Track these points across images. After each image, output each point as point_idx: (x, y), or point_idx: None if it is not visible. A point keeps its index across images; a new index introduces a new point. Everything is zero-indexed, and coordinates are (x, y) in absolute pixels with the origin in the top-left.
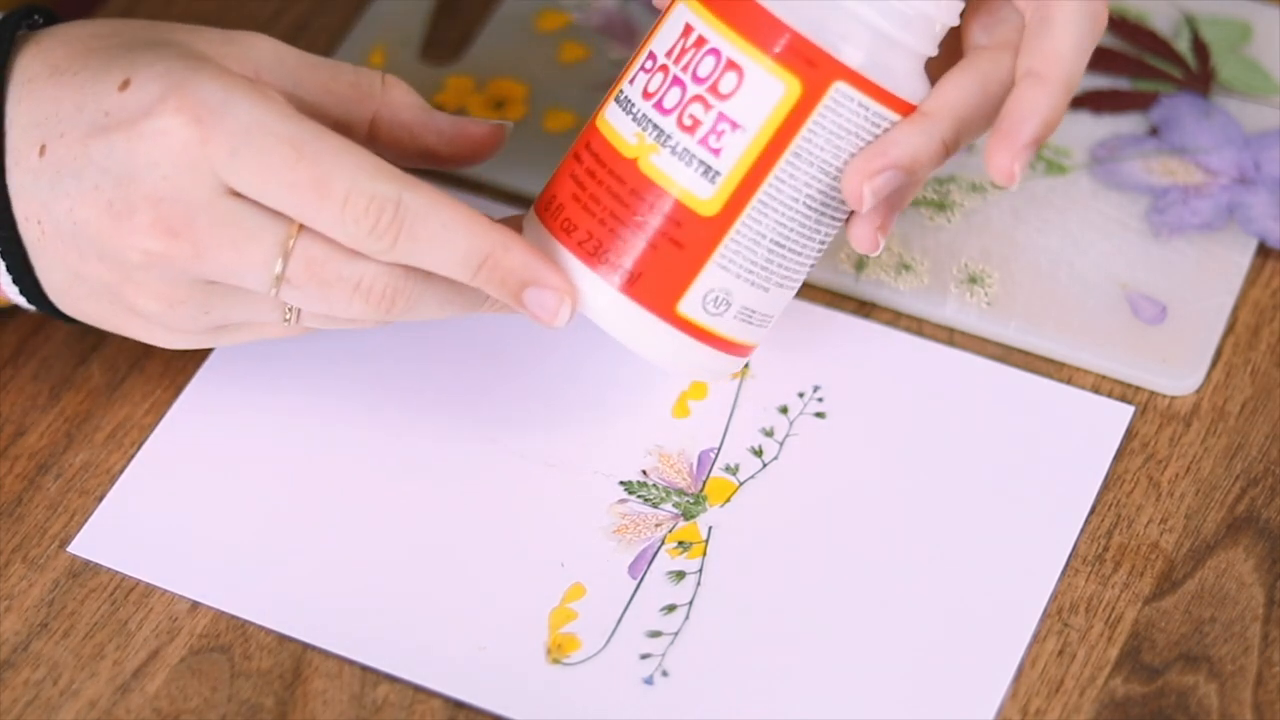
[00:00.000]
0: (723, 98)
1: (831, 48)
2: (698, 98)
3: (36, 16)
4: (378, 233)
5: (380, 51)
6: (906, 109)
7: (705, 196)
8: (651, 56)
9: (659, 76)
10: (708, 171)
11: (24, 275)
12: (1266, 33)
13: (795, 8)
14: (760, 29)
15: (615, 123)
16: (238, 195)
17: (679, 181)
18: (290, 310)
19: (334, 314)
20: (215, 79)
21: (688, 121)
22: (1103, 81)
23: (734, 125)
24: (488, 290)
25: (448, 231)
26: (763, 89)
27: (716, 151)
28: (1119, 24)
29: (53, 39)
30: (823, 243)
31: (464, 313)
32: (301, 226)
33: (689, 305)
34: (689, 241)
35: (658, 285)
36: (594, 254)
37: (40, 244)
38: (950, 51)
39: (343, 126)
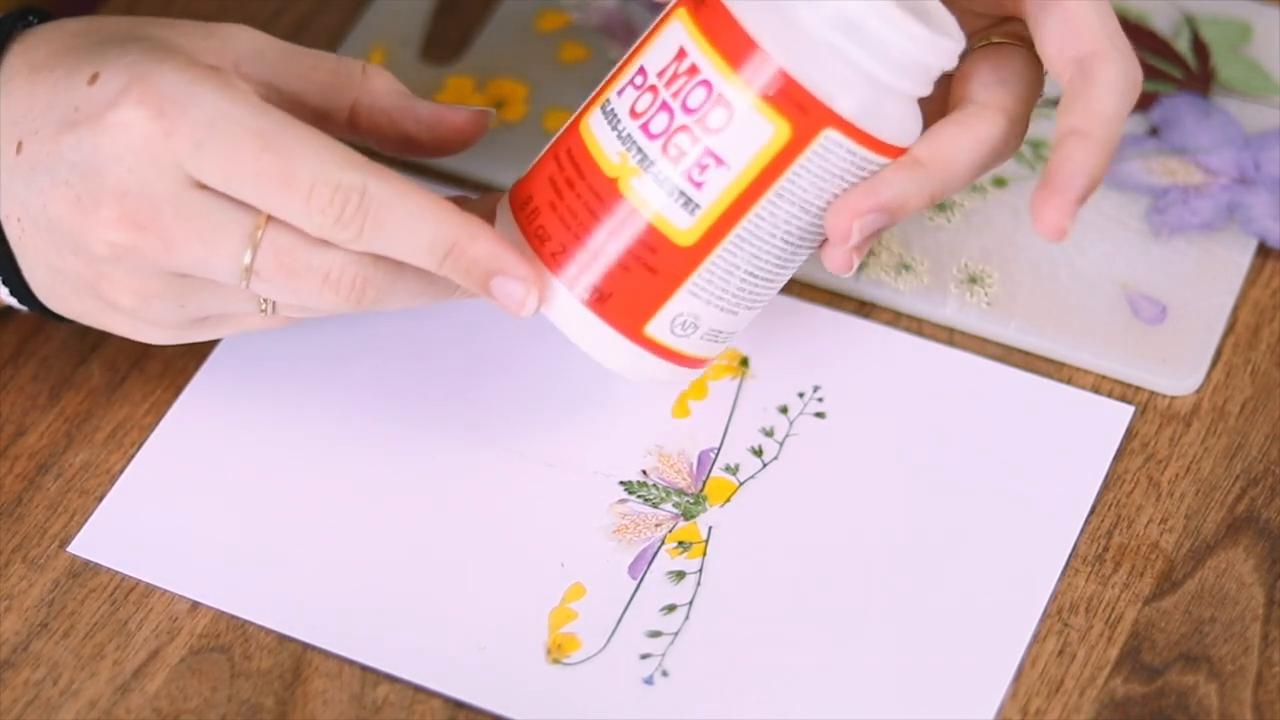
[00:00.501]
0: (710, 132)
1: (825, 95)
2: (685, 128)
3: (32, 18)
4: (343, 222)
5: (380, 51)
6: (895, 153)
7: (683, 227)
8: (642, 72)
9: (648, 97)
10: (688, 203)
11: (12, 275)
12: (1266, 33)
13: (792, 50)
14: (754, 67)
15: (599, 135)
16: (204, 187)
17: (658, 209)
18: (265, 301)
19: (305, 304)
20: (180, 70)
21: (673, 151)
22: None
23: (719, 161)
24: (454, 278)
25: (414, 219)
26: (751, 129)
27: (699, 185)
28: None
29: (36, 37)
30: (795, 268)
31: (436, 301)
32: (269, 218)
33: (656, 327)
34: (662, 268)
35: (627, 306)
36: (565, 266)
37: (22, 242)
38: (938, 91)
39: (322, 115)
